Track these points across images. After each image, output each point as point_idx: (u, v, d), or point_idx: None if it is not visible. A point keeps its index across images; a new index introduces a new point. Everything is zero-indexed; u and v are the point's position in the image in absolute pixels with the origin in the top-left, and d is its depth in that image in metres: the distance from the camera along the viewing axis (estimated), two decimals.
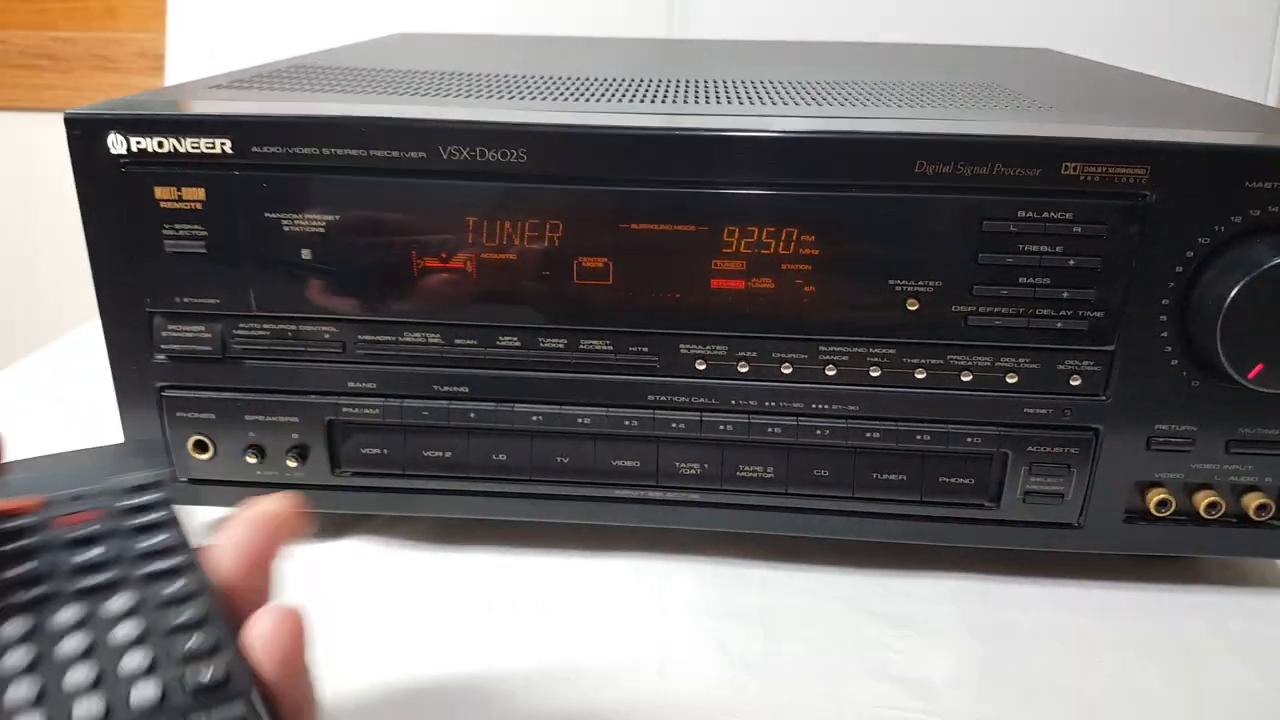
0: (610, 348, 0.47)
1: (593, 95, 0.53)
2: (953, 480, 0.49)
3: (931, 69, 0.70)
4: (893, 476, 0.49)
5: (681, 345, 0.47)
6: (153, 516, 0.28)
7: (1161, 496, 0.48)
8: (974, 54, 0.84)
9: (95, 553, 0.27)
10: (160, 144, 0.45)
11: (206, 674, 0.24)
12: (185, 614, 0.25)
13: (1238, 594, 0.51)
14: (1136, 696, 0.44)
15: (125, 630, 0.25)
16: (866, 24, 0.96)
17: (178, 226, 0.46)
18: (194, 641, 0.25)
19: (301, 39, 0.84)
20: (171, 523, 0.28)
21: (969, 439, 0.47)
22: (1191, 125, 0.49)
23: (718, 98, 0.53)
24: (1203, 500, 0.48)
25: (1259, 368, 0.43)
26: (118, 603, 0.26)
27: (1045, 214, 0.43)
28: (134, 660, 0.24)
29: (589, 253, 0.45)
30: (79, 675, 0.23)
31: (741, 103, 0.52)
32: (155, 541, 0.28)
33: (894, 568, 0.52)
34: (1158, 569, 0.52)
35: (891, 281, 0.45)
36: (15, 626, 0.25)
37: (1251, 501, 0.48)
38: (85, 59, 1.24)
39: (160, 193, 0.45)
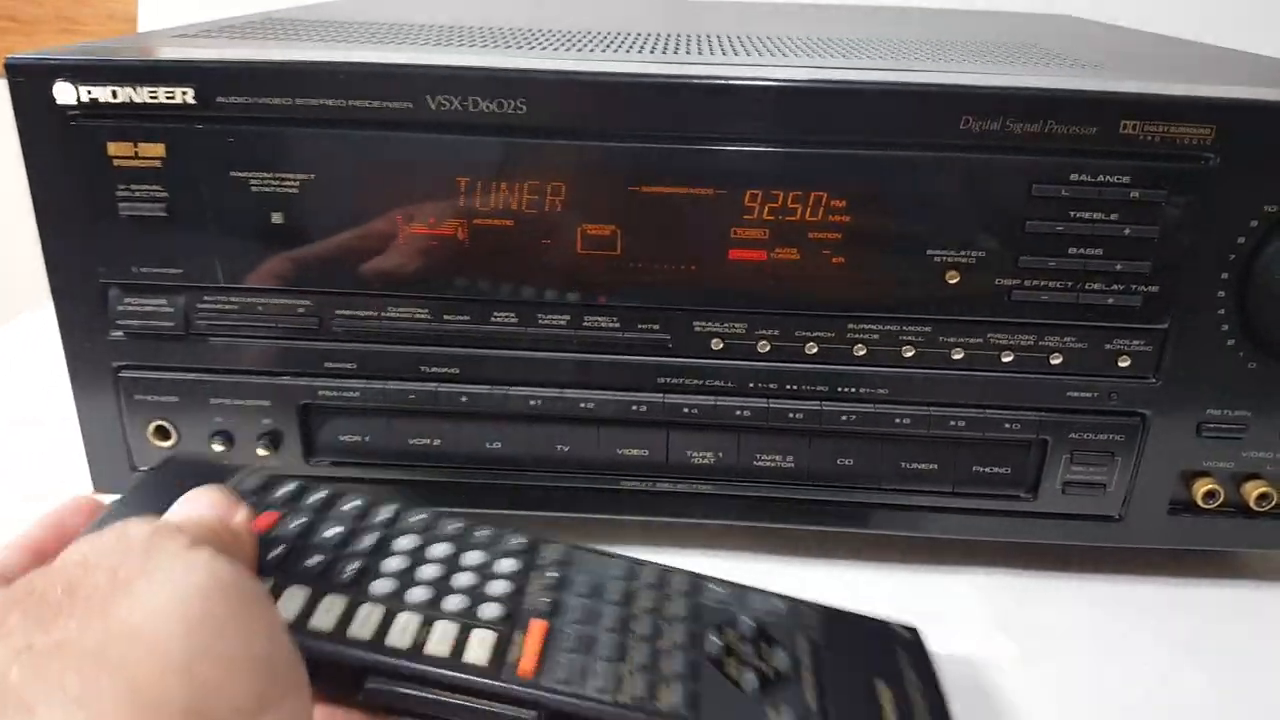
0: (617, 325, 0.43)
1: (597, 47, 0.48)
2: (988, 470, 0.45)
3: (956, 29, 0.66)
4: (923, 466, 0.45)
5: (696, 322, 0.43)
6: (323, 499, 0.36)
7: (1209, 487, 0.44)
8: (995, 19, 0.80)
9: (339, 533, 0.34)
10: (114, 94, 0.40)
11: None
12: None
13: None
14: (1182, 702, 0.40)
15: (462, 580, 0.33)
16: None
17: (134, 187, 0.41)
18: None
19: (281, 3, 0.79)
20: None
21: (1007, 425, 0.44)
22: (1250, 84, 0.46)
23: (735, 50, 0.48)
24: (1253, 491, 0.44)
25: None
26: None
27: (1100, 177, 0.39)
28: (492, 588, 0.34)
29: (595, 218, 0.41)
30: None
31: (761, 55, 0.47)
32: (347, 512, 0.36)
33: (923, 562, 0.48)
34: (1198, 564, 0.49)
35: (930, 252, 0.41)
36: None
37: None
38: (51, 21, 1.17)
39: (114, 149, 0.41)
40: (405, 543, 0.34)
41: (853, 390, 0.43)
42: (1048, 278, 0.41)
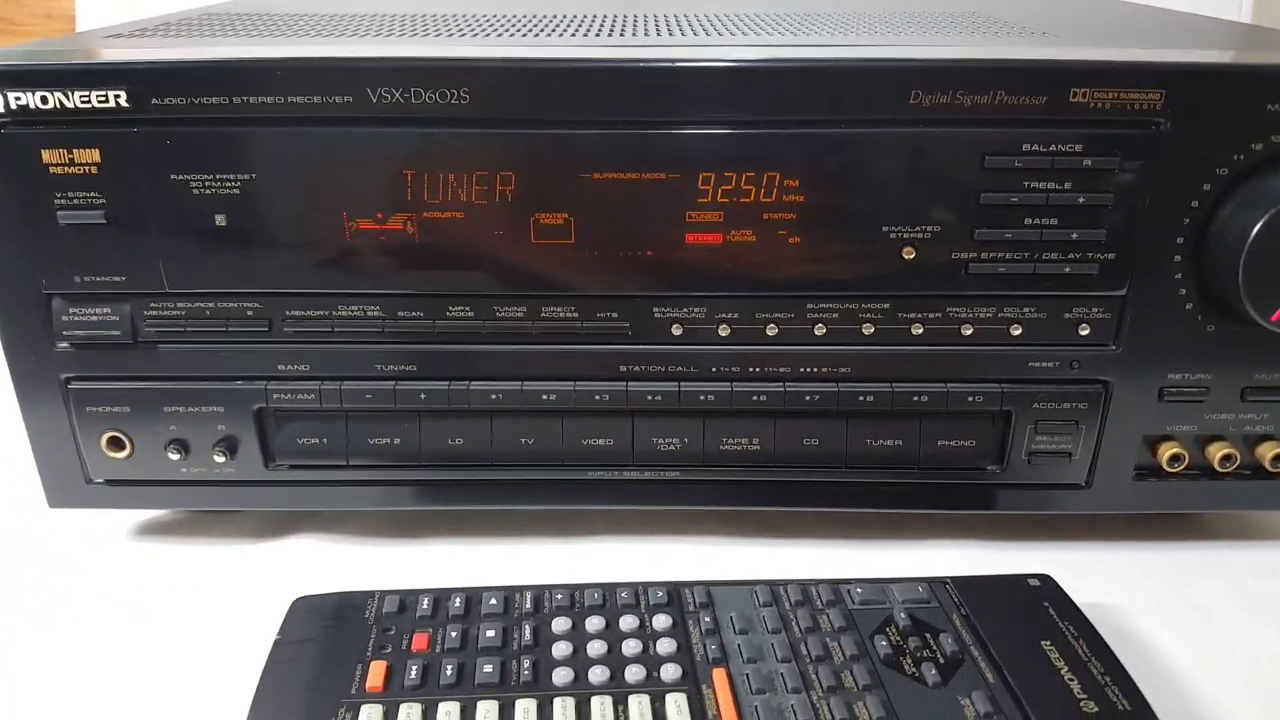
0: (575, 314, 0.42)
1: (543, 31, 0.47)
2: (953, 443, 0.45)
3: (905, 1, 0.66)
4: (889, 442, 0.45)
5: (655, 308, 0.42)
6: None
7: (1174, 451, 0.44)
8: None
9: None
10: (44, 99, 0.39)
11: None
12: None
13: (1249, 549, 0.48)
14: (1153, 664, 0.41)
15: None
16: None
17: (71, 195, 0.40)
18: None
19: None
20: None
21: (970, 398, 0.43)
22: (1199, 46, 0.46)
23: (682, 30, 0.48)
24: (1217, 453, 0.45)
25: None
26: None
27: (1052, 146, 0.39)
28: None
29: (547, 207, 0.40)
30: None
31: (709, 34, 0.46)
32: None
33: (892, 537, 0.48)
34: (1165, 526, 0.49)
35: (885, 228, 0.40)
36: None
37: (1267, 452, 0.45)
38: None
39: (48, 156, 0.40)
40: (561, 625, 0.36)
41: (815, 370, 0.43)
42: (1004, 249, 0.41)
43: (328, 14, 0.55)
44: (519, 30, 0.48)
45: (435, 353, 0.43)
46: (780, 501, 0.46)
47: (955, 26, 0.50)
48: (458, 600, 0.37)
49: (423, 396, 0.43)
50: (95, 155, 0.39)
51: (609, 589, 0.38)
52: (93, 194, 0.40)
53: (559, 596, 0.37)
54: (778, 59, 0.39)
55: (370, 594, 0.37)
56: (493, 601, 0.37)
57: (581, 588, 0.38)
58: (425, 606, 0.36)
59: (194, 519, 0.49)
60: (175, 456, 0.44)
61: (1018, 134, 0.39)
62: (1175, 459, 0.45)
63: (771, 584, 0.38)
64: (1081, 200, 0.40)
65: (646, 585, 0.38)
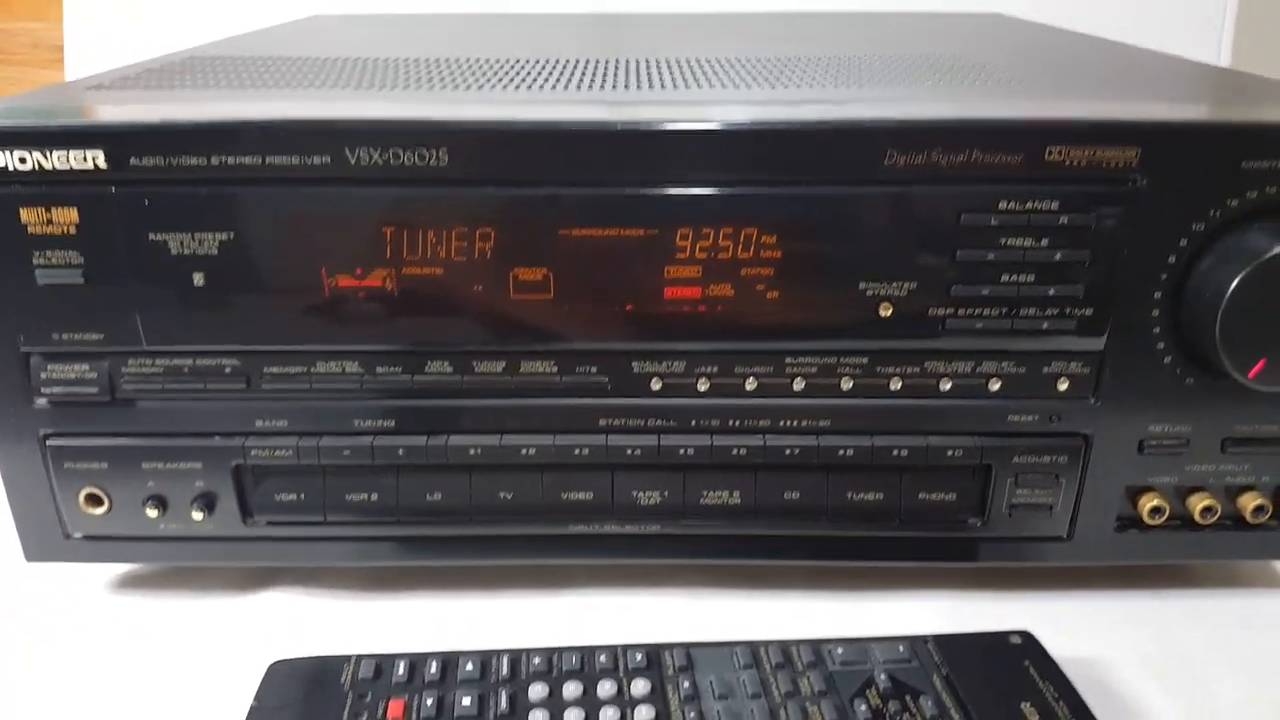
0: (555, 369, 0.42)
1: (523, 82, 0.47)
2: (934, 497, 0.45)
3: (882, 41, 0.66)
4: (869, 495, 0.45)
5: (634, 363, 0.42)
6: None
7: (1155, 503, 0.44)
8: (924, 22, 0.80)
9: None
10: (23, 160, 0.39)
11: None
12: None
13: (1234, 598, 0.48)
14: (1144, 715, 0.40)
15: None
16: None
17: (49, 254, 0.40)
18: None
19: (212, 25, 0.77)
20: None
21: (950, 452, 0.43)
22: (1175, 99, 0.46)
23: (660, 81, 0.48)
24: (1198, 504, 0.45)
25: (1261, 364, 0.40)
26: None
27: (1028, 204, 0.39)
28: None
29: (526, 263, 0.40)
30: None
31: (687, 86, 0.47)
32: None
33: (874, 589, 0.48)
34: (1148, 575, 0.49)
35: (862, 285, 0.40)
36: None
37: (1248, 502, 0.45)
38: None
39: (26, 215, 0.39)
40: (537, 692, 0.36)
41: (794, 424, 0.43)
42: (981, 305, 0.41)
43: (309, 58, 0.55)
44: (498, 80, 0.48)
45: (414, 408, 0.43)
46: (761, 555, 0.46)
47: (930, 74, 0.51)
48: (434, 665, 0.36)
49: (401, 452, 0.43)
50: (73, 215, 0.39)
51: (587, 652, 0.37)
52: (71, 253, 0.40)
53: (536, 660, 0.37)
54: (754, 121, 0.39)
55: (346, 659, 0.37)
56: (469, 667, 0.36)
57: (559, 651, 0.37)
58: (401, 672, 0.36)
59: (173, 571, 0.49)
60: (153, 513, 0.44)
61: (993, 191, 0.39)
62: (1156, 510, 0.44)
63: (752, 645, 0.38)
64: (1058, 257, 0.40)
65: (625, 648, 0.38)
